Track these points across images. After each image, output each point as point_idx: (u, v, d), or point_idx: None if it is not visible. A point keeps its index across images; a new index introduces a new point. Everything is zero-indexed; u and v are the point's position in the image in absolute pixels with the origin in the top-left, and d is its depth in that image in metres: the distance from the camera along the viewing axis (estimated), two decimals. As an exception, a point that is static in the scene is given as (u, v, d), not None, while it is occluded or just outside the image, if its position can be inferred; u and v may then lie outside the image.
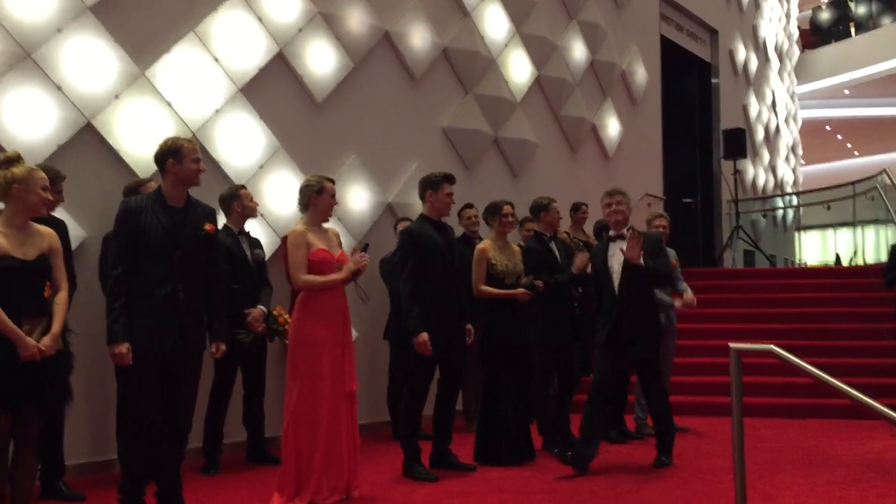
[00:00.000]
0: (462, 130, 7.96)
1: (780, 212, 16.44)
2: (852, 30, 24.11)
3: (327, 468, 4.26)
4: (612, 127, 10.43)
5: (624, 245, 5.09)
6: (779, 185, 16.89)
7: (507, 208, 5.55)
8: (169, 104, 5.64)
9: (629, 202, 5.28)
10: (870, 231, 13.95)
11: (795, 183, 18.25)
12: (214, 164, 5.84)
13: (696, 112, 13.78)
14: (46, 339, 3.40)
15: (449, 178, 5.17)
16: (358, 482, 4.46)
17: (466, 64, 8.03)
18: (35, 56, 5.00)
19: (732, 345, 3.46)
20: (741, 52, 14.62)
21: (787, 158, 17.65)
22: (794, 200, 17.03)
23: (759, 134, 15.62)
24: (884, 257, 9.80)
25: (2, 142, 4.76)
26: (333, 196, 4.52)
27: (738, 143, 12.53)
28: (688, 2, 12.72)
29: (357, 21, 6.96)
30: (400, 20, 7.37)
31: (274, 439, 5.36)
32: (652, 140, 11.63)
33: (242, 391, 5.51)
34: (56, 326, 3.47)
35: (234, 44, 6.05)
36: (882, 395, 4.02)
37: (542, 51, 9.07)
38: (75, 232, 4.92)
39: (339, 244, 4.61)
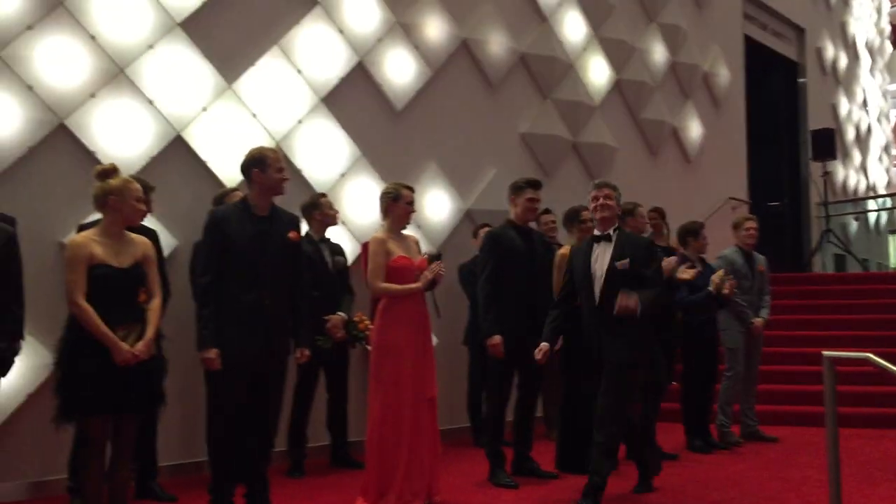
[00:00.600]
0: (540, 136, 7.93)
1: (873, 214, 15.87)
2: (948, 24, 23.06)
3: (409, 473, 4.29)
4: (693, 129, 10.23)
5: (610, 248, 4.44)
6: (871, 187, 16.26)
7: (586, 214, 5.48)
8: (254, 115, 5.81)
9: (619, 197, 4.59)
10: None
11: (889, 184, 17.56)
12: (297, 173, 5.97)
13: (782, 113, 13.40)
14: (140, 345, 3.49)
15: (532, 184, 5.16)
16: (439, 487, 4.48)
17: (544, 69, 8.00)
18: (128, 72, 5.21)
19: (826, 353, 3.37)
20: (829, 50, 14.14)
21: (879, 159, 16.98)
22: (888, 202, 16.40)
23: (850, 134, 15.08)
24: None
25: (98, 154, 4.98)
26: (411, 203, 4.54)
27: (828, 143, 12.11)
28: (773, 0, 12.39)
29: (435, 29, 7.02)
30: (477, 27, 7.40)
31: (357, 444, 5.44)
32: (736, 142, 11.37)
33: (326, 396, 5.60)
34: (150, 332, 3.56)
35: (315, 55, 6.18)
36: None
37: (622, 54, 8.98)
38: (167, 240, 5.09)
39: (419, 251, 4.65)
